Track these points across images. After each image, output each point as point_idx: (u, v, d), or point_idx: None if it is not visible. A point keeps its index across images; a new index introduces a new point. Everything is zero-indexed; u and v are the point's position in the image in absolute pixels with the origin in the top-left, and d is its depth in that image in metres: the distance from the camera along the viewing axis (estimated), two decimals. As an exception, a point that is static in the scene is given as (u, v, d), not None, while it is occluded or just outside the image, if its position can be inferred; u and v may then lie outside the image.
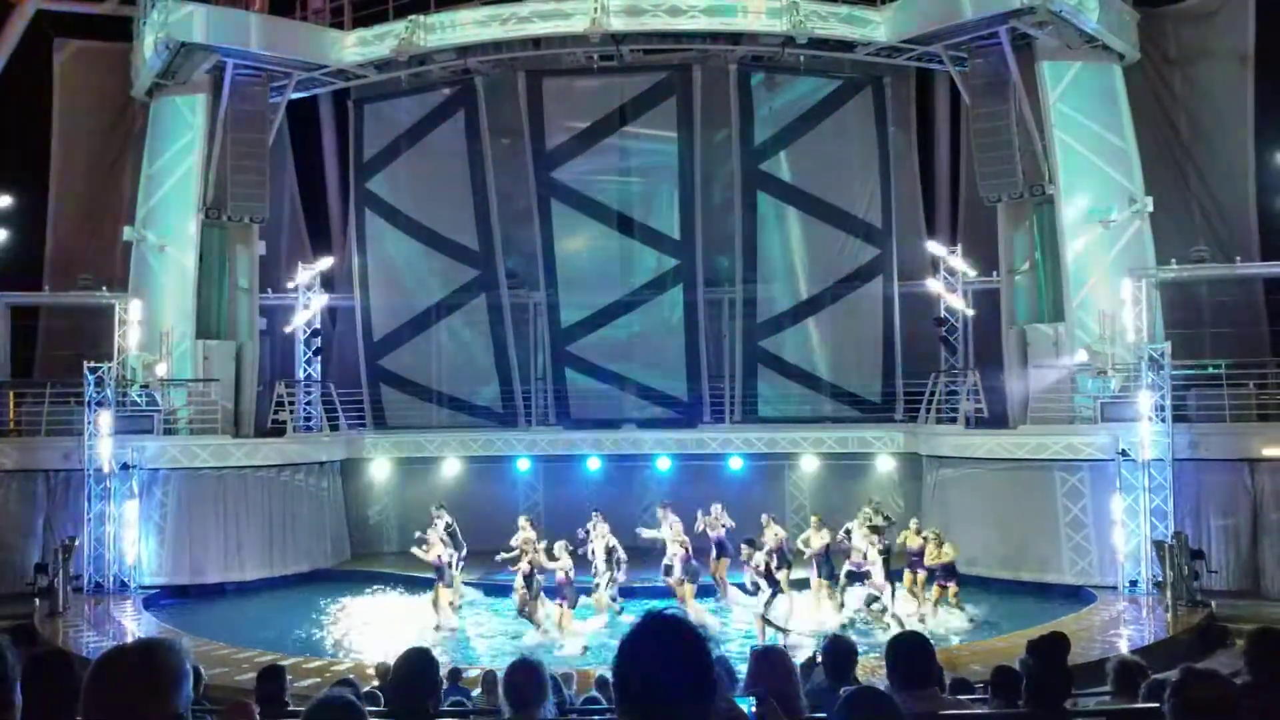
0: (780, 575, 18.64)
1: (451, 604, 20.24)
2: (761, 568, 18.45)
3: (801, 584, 20.13)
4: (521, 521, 20.58)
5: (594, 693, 10.89)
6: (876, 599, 19.62)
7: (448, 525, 21.13)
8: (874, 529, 19.75)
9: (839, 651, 6.20)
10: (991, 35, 22.82)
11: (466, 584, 21.61)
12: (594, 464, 25.91)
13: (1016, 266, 24.45)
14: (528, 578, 18.80)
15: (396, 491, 26.95)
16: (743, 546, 19.32)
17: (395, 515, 26.99)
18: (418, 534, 20.70)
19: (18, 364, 26.47)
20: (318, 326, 27.29)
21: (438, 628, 19.63)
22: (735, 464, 25.49)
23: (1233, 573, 20.72)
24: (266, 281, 27.09)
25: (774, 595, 18.33)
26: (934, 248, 26.44)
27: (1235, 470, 20.88)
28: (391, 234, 27.64)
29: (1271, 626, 5.39)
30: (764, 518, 20.73)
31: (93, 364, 21.94)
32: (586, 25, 23.28)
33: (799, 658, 9.77)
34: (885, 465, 25.45)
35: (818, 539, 19.81)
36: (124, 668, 2.64)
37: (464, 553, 21.13)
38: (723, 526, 20.98)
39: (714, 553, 21.07)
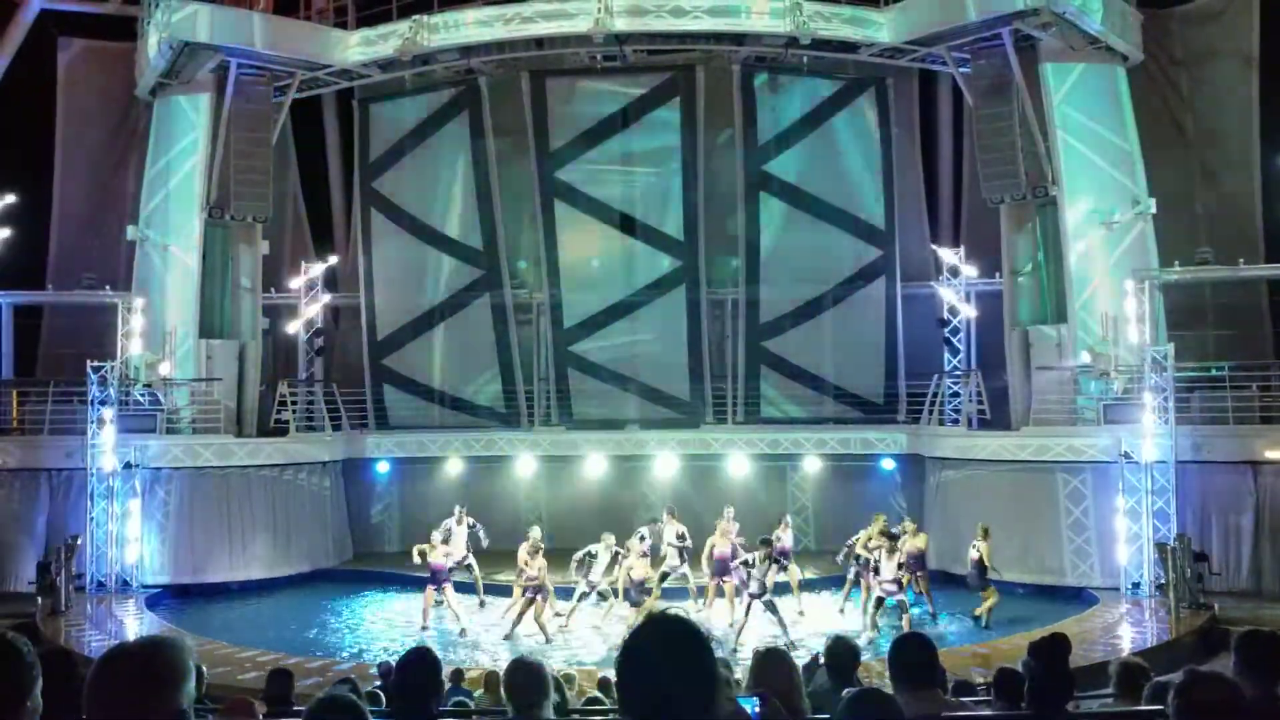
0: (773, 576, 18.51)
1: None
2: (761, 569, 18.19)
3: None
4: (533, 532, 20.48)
5: (596, 693, 10.89)
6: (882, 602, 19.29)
7: (471, 527, 21.11)
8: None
9: (841, 652, 6.20)
10: (994, 36, 22.81)
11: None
12: (596, 464, 25.91)
13: (1019, 268, 24.43)
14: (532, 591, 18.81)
15: (398, 491, 26.96)
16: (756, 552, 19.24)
17: (397, 515, 27.01)
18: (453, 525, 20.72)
19: (21, 363, 26.51)
20: (320, 326, 27.30)
21: (425, 628, 19.60)
22: (737, 465, 25.48)
23: (1236, 575, 20.71)
24: (269, 281, 27.08)
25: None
26: (937, 249, 26.42)
27: (1238, 472, 20.87)
28: (395, 233, 27.64)
29: (1259, 628, 5.37)
30: (786, 518, 21.02)
31: (96, 363, 21.94)
32: (590, 25, 23.27)
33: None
34: (887, 466, 25.42)
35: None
36: (127, 665, 2.64)
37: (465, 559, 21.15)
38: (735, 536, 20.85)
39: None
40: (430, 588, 19.71)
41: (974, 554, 19.42)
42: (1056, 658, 5.45)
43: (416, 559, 19.98)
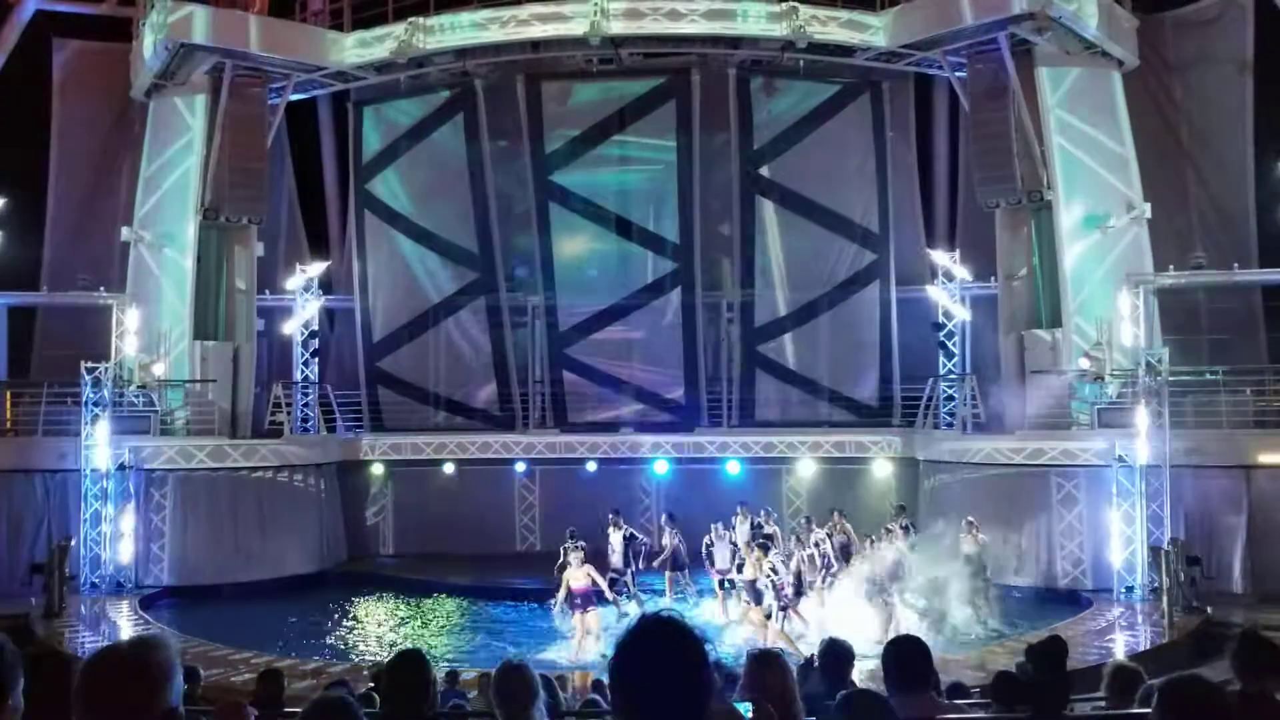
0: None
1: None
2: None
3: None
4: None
5: (593, 695, 10.88)
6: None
7: (626, 536, 20.12)
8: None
9: (835, 655, 6.19)
10: (990, 41, 22.84)
11: None
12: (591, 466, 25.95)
13: (1014, 272, 24.47)
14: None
15: (393, 494, 26.89)
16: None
17: (392, 518, 26.94)
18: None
19: (15, 364, 26.43)
20: (315, 328, 27.27)
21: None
22: (732, 468, 25.47)
23: (1229, 578, 20.69)
24: (264, 283, 27.04)
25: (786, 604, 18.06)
26: (932, 253, 26.46)
27: (1232, 477, 20.85)
28: (391, 236, 27.64)
29: (1255, 631, 5.39)
30: (836, 515, 21.28)
31: (90, 364, 21.89)
32: (586, 28, 23.28)
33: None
34: (882, 470, 25.42)
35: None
36: (113, 667, 2.63)
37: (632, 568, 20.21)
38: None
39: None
40: (578, 614, 17.83)
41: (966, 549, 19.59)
42: (1054, 661, 5.47)
43: (563, 594, 18.09)
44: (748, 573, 18.27)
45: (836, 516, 21.33)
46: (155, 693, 2.60)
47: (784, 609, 17.71)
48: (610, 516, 20.90)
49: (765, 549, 18.21)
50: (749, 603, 18.27)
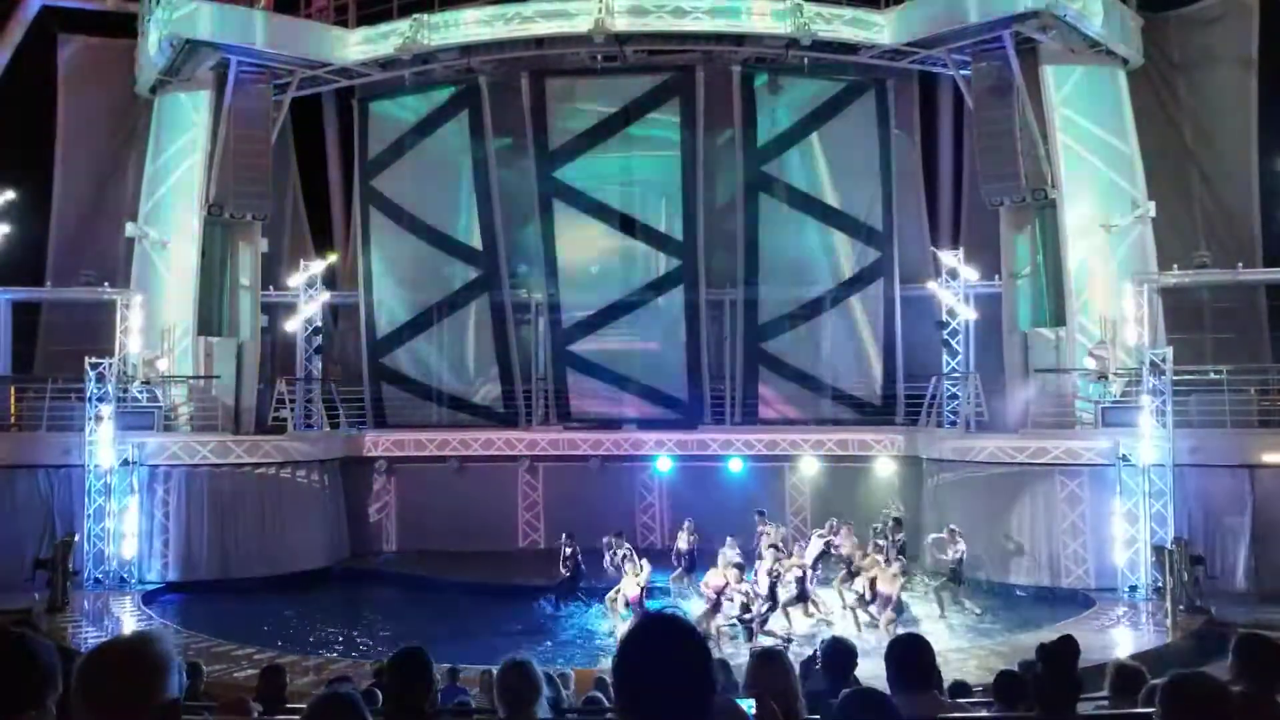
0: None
1: None
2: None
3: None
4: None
5: (595, 693, 10.88)
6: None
7: (625, 555, 19.62)
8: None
9: (838, 653, 6.19)
10: (995, 39, 22.84)
11: None
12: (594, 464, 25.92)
13: (1018, 270, 24.46)
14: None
15: (396, 490, 26.88)
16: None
17: (395, 514, 26.94)
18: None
19: (19, 359, 26.45)
20: (319, 324, 27.28)
21: None
22: (735, 465, 25.45)
23: (1232, 578, 20.66)
24: (268, 279, 27.08)
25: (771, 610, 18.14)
26: (936, 251, 26.44)
27: (1235, 476, 20.82)
28: (395, 232, 27.64)
29: (1256, 631, 5.37)
30: (835, 521, 21.17)
31: (94, 360, 21.91)
32: (590, 25, 23.30)
33: None
34: (885, 468, 25.38)
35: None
36: (109, 661, 2.64)
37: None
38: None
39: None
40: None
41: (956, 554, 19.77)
42: (1065, 661, 5.44)
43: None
44: (714, 579, 18.15)
45: (837, 524, 21.24)
46: (152, 685, 2.62)
47: (744, 622, 17.73)
48: (614, 540, 20.36)
49: (741, 568, 18.32)
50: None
